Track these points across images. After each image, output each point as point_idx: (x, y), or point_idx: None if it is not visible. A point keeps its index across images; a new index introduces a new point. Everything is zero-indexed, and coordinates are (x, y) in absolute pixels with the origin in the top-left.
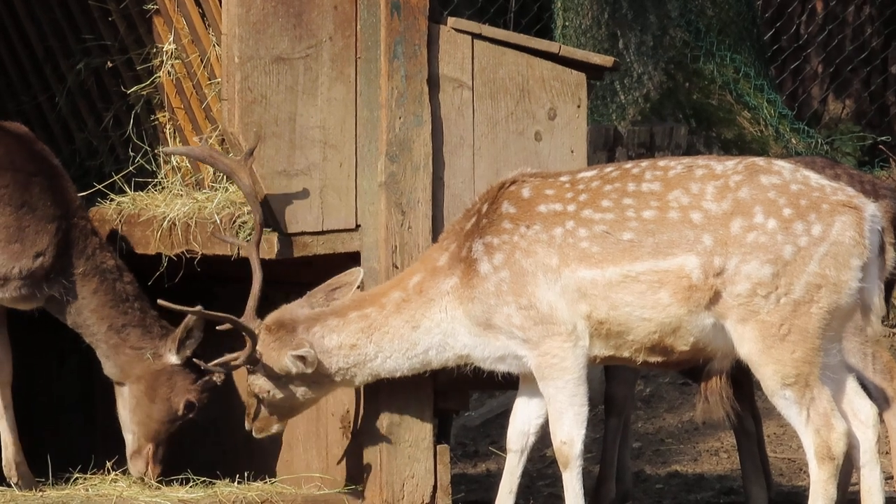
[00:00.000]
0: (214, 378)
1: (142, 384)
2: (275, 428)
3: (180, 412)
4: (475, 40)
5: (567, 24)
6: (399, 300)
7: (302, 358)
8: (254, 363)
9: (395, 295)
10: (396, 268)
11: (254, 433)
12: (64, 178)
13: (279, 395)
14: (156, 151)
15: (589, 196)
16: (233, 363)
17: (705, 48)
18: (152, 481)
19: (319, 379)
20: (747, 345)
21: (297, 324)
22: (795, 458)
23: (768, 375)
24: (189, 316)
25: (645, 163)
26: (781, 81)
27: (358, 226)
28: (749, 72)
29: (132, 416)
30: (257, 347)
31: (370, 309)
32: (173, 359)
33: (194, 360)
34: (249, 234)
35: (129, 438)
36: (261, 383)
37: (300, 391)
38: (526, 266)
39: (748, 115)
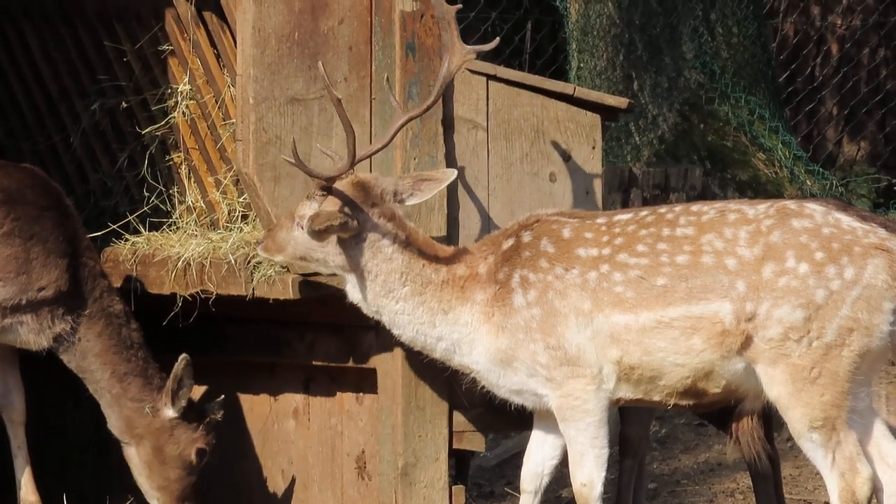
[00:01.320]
0: (216, 417)
1: (146, 444)
2: (278, 258)
3: (194, 463)
4: (490, 81)
5: (582, 65)
6: (445, 279)
7: (313, 218)
8: (325, 190)
9: (443, 270)
10: None
11: (259, 248)
12: (74, 218)
13: (310, 239)
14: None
15: (624, 240)
16: (313, 172)
17: (720, 90)
18: None
19: (349, 254)
20: (777, 387)
21: (377, 203)
22: (811, 500)
23: (796, 418)
24: (177, 364)
25: (678, 207)
26: (796, 123)
27: None
28: (764, 113)
29: (150, 482)
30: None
31: (424, 262)
32: (171, 413)
33: (195, 400)
34: (263, 276)
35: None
36: (307, 213)
37: (327, 248)
38: (558, 307)
39: (763, 156)
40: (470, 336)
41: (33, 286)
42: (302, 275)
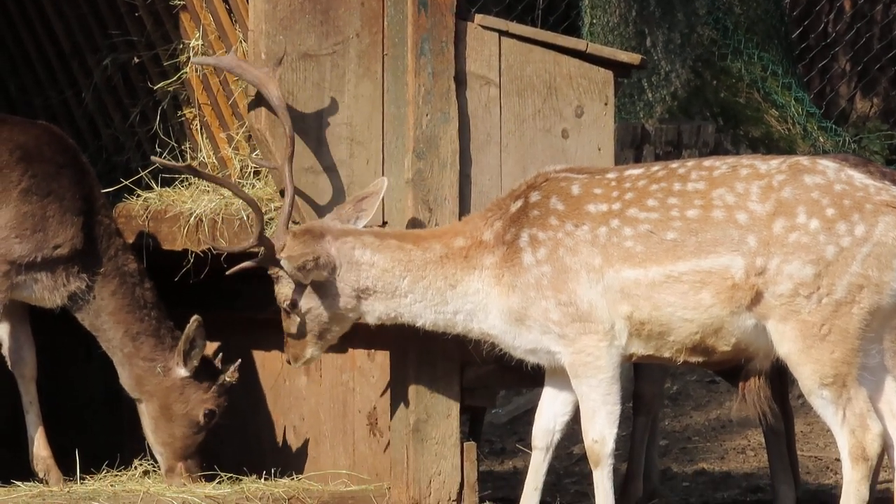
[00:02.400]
0: (228, 379)
1: (155, 402)
2: (308, 352)
3: (202, 423)
4: (502, 37)
5: (594, 21)
6: (442, 254)
7: (317, 259)
8: (273, 263)
9: (437, 246)
10: None
11: (290, 361)
12: (90, 176)
13: (302, 305)
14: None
15: (635, 195)
16: (252, 263)
17: (733, 46)
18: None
19: (340, 292)
20: (787, 344)
21: (326, 233)
22: (822, 457)
23: (807, 375)
24: (189, 325)
25: (691, 162)
26: (809, 80)
27: (385, 222)
28: (777, 70)
29: (155, 436)
30: (282, 253)
31: (411, 246)
32: (182, 372)
33: (213, 360)
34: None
35: (160, 458)
36: (285, 292)
37: (326, 303)
38: (569, 263)
39: (776, 113)
40: (483, 302)
41: (49, 244)
42: None
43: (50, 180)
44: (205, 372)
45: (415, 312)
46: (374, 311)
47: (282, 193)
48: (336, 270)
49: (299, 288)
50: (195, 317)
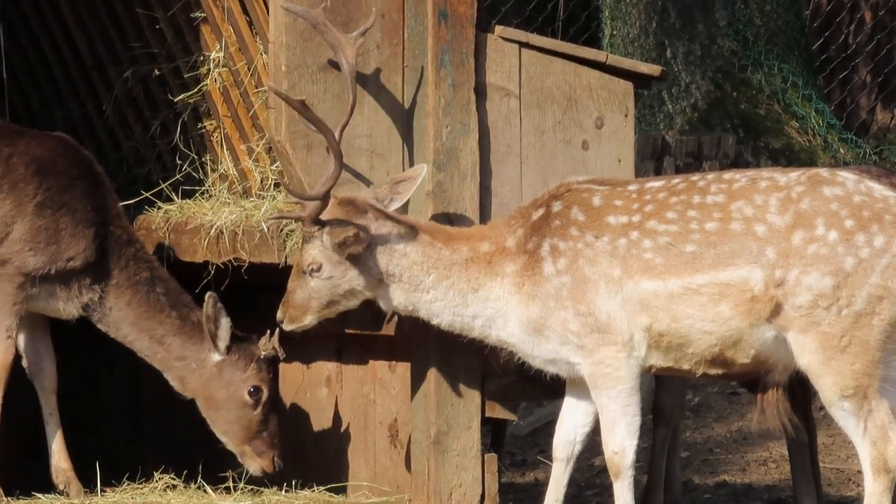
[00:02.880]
0: (264, 352)
1: (201, 396)
2: (307, 319)
3: (250, 402)
4: (522, 49)
5: (615, 32)
6: (468, 257)
7: (357, 235)
8: (318, 224)
9: (464, 249)
10: None
11: (285, 323)
12: (105, 186)
13: (325, 271)
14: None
15: (655, 207)
16: (293, 215)
17: (753, 57)
18: (279, 465)
19: (367, 270)
20: (807, 356)
21: (369, 209)
22: (844, 469)
23: (827, 387)
24: (205, 305)
25: (711, 175)
26: (829, 91)
27: None
28: (797, 81)
29: (216, 428)
30: (324, 216)
31: (441, 245)
32: (216, 357)
33: (249, 337)
34: (296, 244)
35: (231, 448)
36: (314, 254)
37: (350, 274)
38: (588, 274)
39: (796, 124)
40: (503, 309)
41: (63, 256)
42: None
43: (63, 193)
44: (242, 351)
45: (433, 310)
46: (392, 298)
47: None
48: (370, 248)
49: (329, 254)
50: (209, 294)
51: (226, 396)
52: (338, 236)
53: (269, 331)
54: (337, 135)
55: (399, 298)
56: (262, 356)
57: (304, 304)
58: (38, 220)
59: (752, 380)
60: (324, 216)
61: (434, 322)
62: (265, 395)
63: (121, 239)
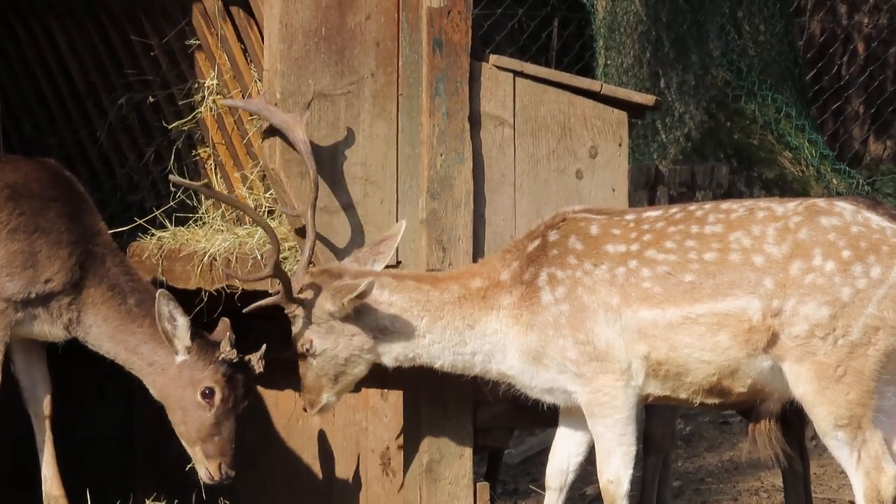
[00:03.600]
0: (224, 356)
1: (164, 397)
2: (324, 398)
3: (202, 403)
4: (517, 78)
5: (609, 62)
6: (460, 295)
7: (341, 289)
8: (296, 302)
9: (455, 287)
10: None
11: (307, 409)
12: (84, 205)
13: (318, 346)
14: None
15: (653, 236)
16: (270, 301)
17: (747, 88)
18: (227, 474)
19: (358, 332)
20: (802, 385)
21: (345, 273)
22: (835, 499)
23: (822, 416)
24: (157, 303)
25: (709, 205)
26: (822, 122)
27: (399, 262)
28: (790, 112)
29: (174, 426)
30: (301, 294)
31: (429, 287)
32: (179, 358)
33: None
34: (289, 272)
35: (185, 449)
36: (304, 333)
37: (343, 341)
38: (587, 302)
39: (789, 155)
40: (501, 342)
41: (40, 279)
42: None
43: (37, 216)
44: (202, 352)
45: (433, 354)
46: (392, 352)
47: (297, 233)
48: (355, 312)
49: (316, 328)
50: (160, 291)
51: (181, 395)
52: (343, 294)
53: (229, 335)
54: (308, 213)
55: (397, 350)
56: (220, 358)
57: (315, 385)
58: (12, 244)
59: (749, 408)
60: (301, 293)
61: (437, 365)
62: (218, 397)
63: (97, 256)
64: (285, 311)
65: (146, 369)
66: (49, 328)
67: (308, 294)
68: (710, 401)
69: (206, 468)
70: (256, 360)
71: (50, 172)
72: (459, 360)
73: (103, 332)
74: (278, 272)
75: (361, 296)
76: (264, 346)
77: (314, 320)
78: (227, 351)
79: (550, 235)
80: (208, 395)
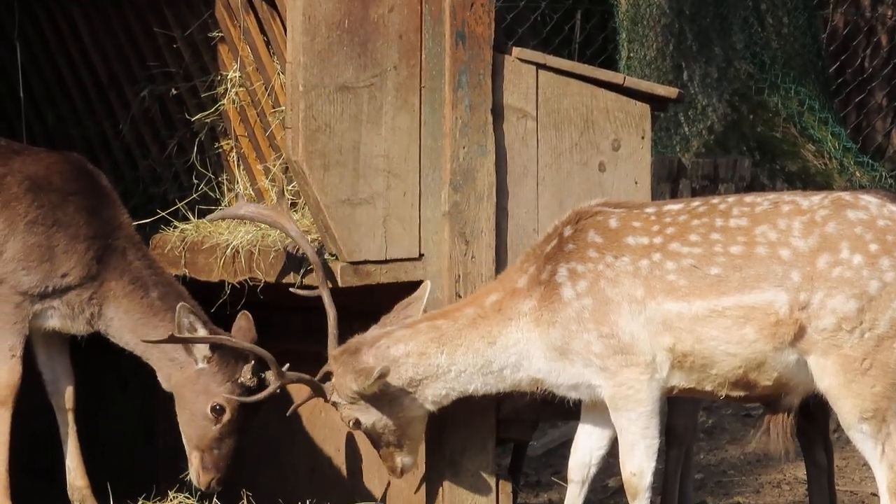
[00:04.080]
0: (242, 379)
1: (176, 394)
2: (399, 461)
3: (210, 416)
4: (540, 70)
5: (632, 55)
6: (475, 315)
7: (360, 372)
8: (322, 396)
9: (469, 311)
10: (459, 297)
11: (390, 474)
12: (107, 199)
13: (365, 422)
14: (225, 182)
15: (676, 229)
16: (307, 398)
17: (770, 80)
18: (215, 488)
19: (392, 396)
20: (828, 378)
21: (363, 345)
22: (858, 491)
23: (847, 409)
24: (177, 315)
25: (732, 198)
26: (846, 115)
27: (421, 255)
28: (814, 104)
29: (180, 427)
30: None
31: (442, 321)
32: (198, 366)
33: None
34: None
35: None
36: (346, 413)
37: (386, 411)
38: (611, 295)
39: (812, 147)
40: (525, 349)
41: (57, 273)
42: (350, 262)
43: (56, 209)
44: (224, 367)
45: (463, 382)
46: (428, 397)
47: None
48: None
49: (356, 407)
50: (180, 304)
51: (192, 401)
52: (366, 378)
53: (253, 362)
54: (324, 292)
55: (431, 394)
56: (237, 380)
57: (387, 454)
58: (29, 238)
59: (773, 401)
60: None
61: (472, 391)
62: (227, 417)
63: (118, 250)
64: (327, 401)
65: (165, 363)
66: (71, 323)
67: (337, 377)
68: (736, 393)
69: (198, 475)
70: (246, 373)
71: (73, 165)
72: (490, 379)
73: (124, 324)
74: (313, 385)
75: (381, 377)
76: (252, 363)
77: (350, 400)
78: (247, 378)
79: (566, 231)
80: (218, 411)
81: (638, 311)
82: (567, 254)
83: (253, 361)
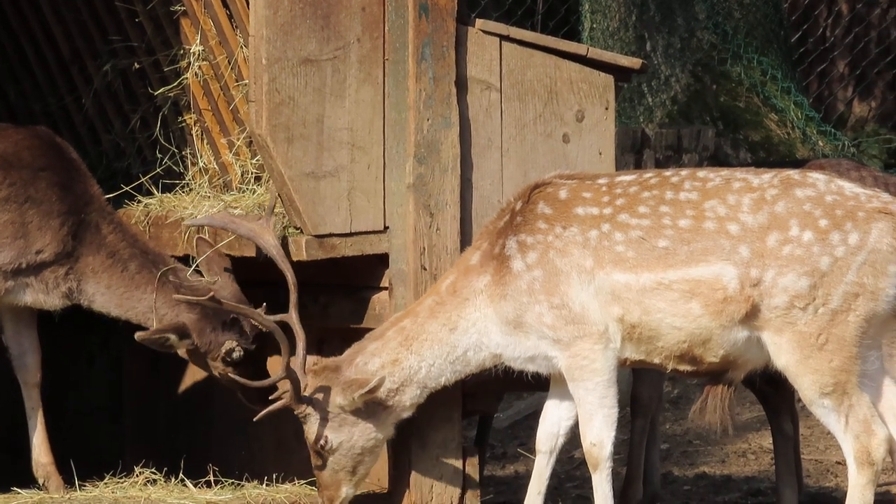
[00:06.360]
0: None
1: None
2: (343, 492)
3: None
4: (503, 42)
5: (594, 26)
6: (433, 304)
7: (351, 384)
8: (305, 402)
9: (427, 301)
10: (425, 269)
11: None
12: (78, 173)
13: (333, 441)
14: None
15: (626, 200)
16: (280, 405)
17: (732, 50)
18: None
19: (373, 410)
20: (784, 356)
21: (341, 363)
22: (823, 460)
23: (806, 385)
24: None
25: (685, 172)
26: (807, 84)
27: (386, 227)
28: (776, 74)
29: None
30: (307, 393)
31: (405, 321)
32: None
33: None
34: (276, 238)
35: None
36: (314, 429)
37: (358, 430)
38: (560, 266)
39: (775, 117)
40: (483, 326)
41: (31, 249)
42: (315, 236)
43: (28, 186)
44: (230, 327)
45: (434, 375)
46: (406, 402)
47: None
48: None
49: (328, 424)
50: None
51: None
52: (356, 390)
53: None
54: (293, 314)
55: (411, 396)
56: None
57: (333, 482)
58: (2, 215)
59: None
60: (307, 391)
61: (443, 382)
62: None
63: (92, 224)
64: (295, 413)
65: (163, 320)
66: (44, 297)
67: (315, 392)
68: (683, 368)
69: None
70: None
71: (41, 140)
72: (458, 365)
73: (109, 300)
74: (289, 375)
75: (372, 391)
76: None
77: (325, 416)
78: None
79: (517, 206)
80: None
81: (587, 282)
82: (516, 226)
83: (235, 344)
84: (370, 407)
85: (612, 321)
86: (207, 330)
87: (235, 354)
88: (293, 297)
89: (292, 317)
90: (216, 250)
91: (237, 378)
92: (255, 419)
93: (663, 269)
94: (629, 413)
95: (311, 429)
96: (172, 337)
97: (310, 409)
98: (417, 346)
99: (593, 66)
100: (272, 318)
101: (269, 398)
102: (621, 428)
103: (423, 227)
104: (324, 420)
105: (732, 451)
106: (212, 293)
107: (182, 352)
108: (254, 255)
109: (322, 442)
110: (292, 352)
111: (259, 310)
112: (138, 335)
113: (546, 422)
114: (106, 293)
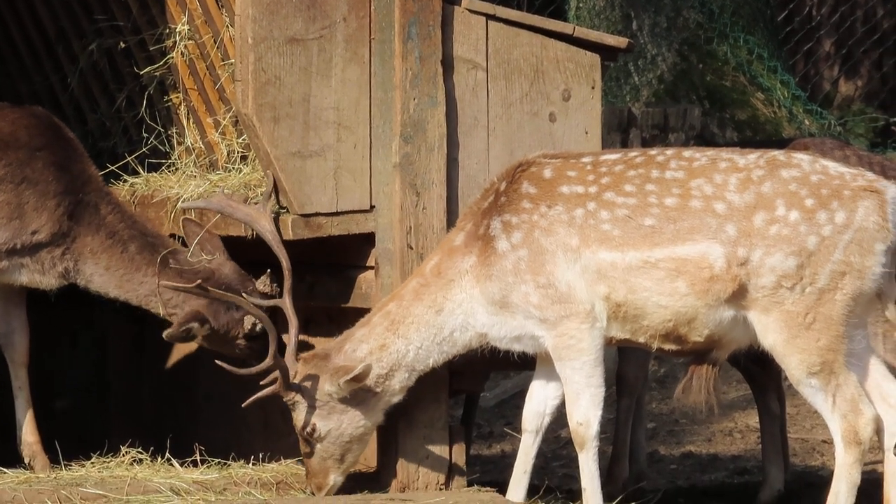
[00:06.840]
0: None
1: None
2: (331, 479)
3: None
4: (489, 21)
5: (581, 5)
6: (417, 287)
7: (339, 370)
8: (293, 389)
9: (412, 284)
10: (411, 248)
11: (314, 493)
12: (75, 153)
13: (322, 428)
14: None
15: (612, 179)
16: (266, 392)
17: (719, 29)
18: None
19: (362, 396)
20: (771, 335)
21: (330, 351)
22: (809, 439)
23: (794, 365)
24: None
25: (670, 151)
26: (794, 63)
27: (372, 207)
28: (762, 53)
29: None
30: (296, 380)
31: (391, 305)
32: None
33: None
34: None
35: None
36: (303, 418)
37: (347, 417)
38: (545, 245)
39: (762, 96)
40: (469, 307)
41: (27, 230)
42: (301, 215)
43: (24, 167)
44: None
45: (423, 358)
46: (396, 387)
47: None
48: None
49: (318, 411)
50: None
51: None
52: (345, 375)
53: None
54: (287, 300)
55: (400, 380)
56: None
57: (321, 469)
58: None
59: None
60: (296, 379)
61: (431, 364)
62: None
63: (90, 205)
64: (284, 400)
65: (167, 303)
66: (40, 277)
67: (304, 380)
68: (668, 347)
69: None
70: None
71: (38, 120)
72: (445, 346)
73: (108, 280)
74: (277, 362)
75: (358, 378)
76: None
77: (314, 404)
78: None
79: (501, 186)
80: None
81: (573, 260)
82: (501, 206)
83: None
84: (359, 394)
85: (599, 300)
86: (222, 311)
87: (259, 327)
88: (287, 282)
89: (286, 302)
90: (208, 230)
91: (228, 367)
92: (243, 405)
93: (649, 248)
94: (615, 392)
95: (299, 416)
96: (195, 325)
97: (298, 397)
98: (404, 329)
99: (580, 45)
100: (265, 303)
101: (259, 384)
102: (607, 407)
103: (409, 206)
104: (312, 408)
105: (719, 430)
106: (209, 274)
107: (199, 339)
108: (241, 234)
109: (310, 429)
110: (281, 339)
111: (263, 278)
112: (166, 334)
113: (532, 401)
114: (105, 274)
